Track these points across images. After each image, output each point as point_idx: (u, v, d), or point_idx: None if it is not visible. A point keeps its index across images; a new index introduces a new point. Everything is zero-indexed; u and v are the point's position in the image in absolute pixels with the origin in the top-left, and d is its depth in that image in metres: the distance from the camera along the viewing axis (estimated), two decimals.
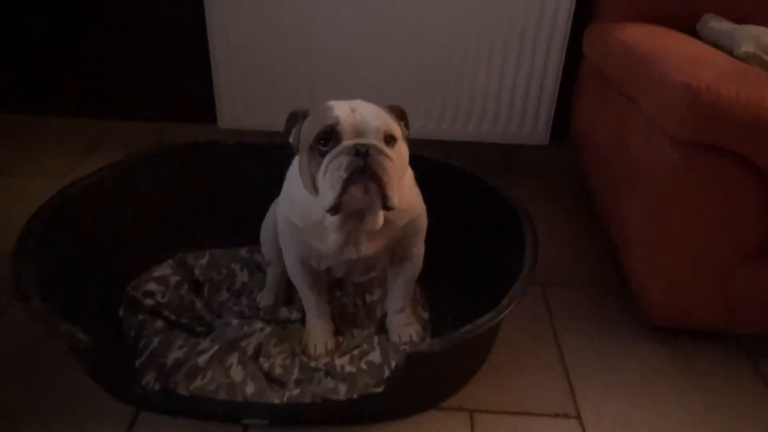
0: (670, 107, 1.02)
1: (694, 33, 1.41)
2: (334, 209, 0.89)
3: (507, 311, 0.98)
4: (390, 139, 0.91)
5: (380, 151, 0.88)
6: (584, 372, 1.16)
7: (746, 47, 1.15)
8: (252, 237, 1.34)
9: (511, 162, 2.00)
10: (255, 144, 1.48)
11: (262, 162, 1.40)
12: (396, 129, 0.94)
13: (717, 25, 1.34)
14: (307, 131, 0.94)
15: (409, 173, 1.07)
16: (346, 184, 0.87)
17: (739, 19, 1.36)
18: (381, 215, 0.96)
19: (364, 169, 0.86)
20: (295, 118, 0.99)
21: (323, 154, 0.89)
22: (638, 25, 1.41)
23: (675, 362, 1.19)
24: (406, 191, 1.03)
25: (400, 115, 1.01)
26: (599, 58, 1.47)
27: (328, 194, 0.88)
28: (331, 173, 0.87)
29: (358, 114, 0.90)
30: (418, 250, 1.13)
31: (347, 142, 0.88)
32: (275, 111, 1.80)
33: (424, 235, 1.12)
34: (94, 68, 2.00)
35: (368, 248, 1.04)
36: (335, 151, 0.88)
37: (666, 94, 1.02)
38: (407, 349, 1.15)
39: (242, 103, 1.82)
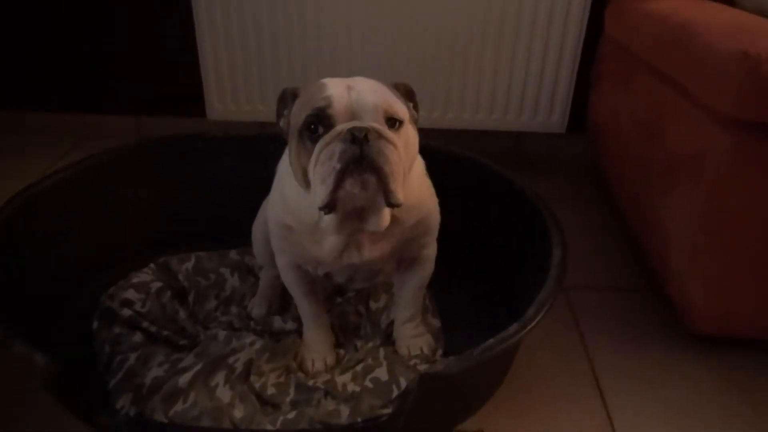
0: (720, 82, 0.87)
1: (732, 5, 1.26)
2: (328, 207, 0.75)
3: (534, 323, 0.84)
4: (393, 122, 0.77)
5: (381, 136, 0.73)
6: (619, 387, 1.02)
7: None
8: (243, 237, 1.20)
9: (522, 152, 1.86)
10: (245, 136, 1.35)
11: (253, 155, 1.28)
12: (401, 110, 0.79)
13: None
14: (297, 114, 0.80)
15: (420, 163, 0.93)
16: (340, 176, 0.72)
17: None
18: (387, 214, 0.82)
19: (361, 158, 0.71)
20: (285, 98, 0.85)
21: (314, 141, 0.75)
22: None
23: (721, 376, 1.05)
24: (415, 184, 0.89)
25: (408, 95, 0.86)
26: (625, 35, 1.33)
27: (320, 189, 0.74)
28: (323, 164, 0.73)
29: (355, 92, 0.76)
30: (430, 251, 0.99)
31: (341, 126, 0.74)
32: (268, 101, 1.69)
33: (436, 235, 0.98)
34: (75, 60, 1.86)
35: (372, 252, 0.90)
36: (327, 137, 0.74)
37: (715, 66, 0.88)
38: (417, 363, 1.02)
39: (232, 93, 1.69)
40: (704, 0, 1.22)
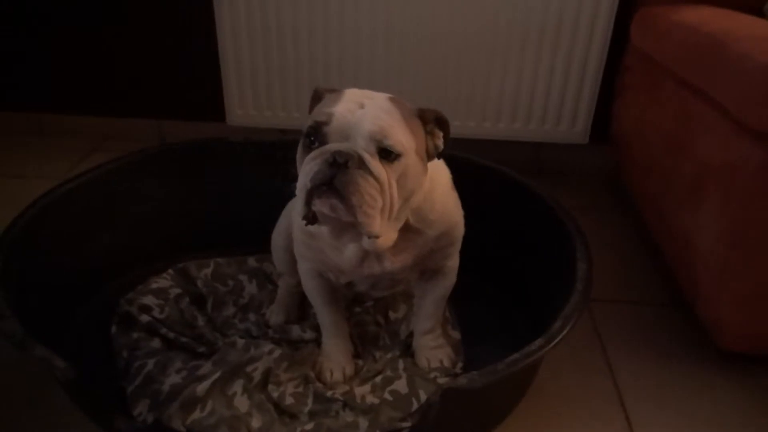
0: (753, 95, 0.85)
1: (761, 16, 1.24)
2: (306, 218, 0.76)
3: (559, 338, 0.82)
4: (388, 154, 0.74)
5: (362, 165, 0.72)
6: (643, 404, 1.00)
7: None
8: (262, 245, 1.19)
9: (542, 162, 1.84)
10: (266, 141, 1.35)
11: (274, 161, 1.27)
12: (402, 142, 0.75)
13: None
14: (309, 119, 0.79)
15: (446, 175, 0.93)
16: (309, 194, 0.73)
17: None
18: (395, 232, 0.81)
19: (331, 182, 0.72)
20: (315, 97, 0.84)
21: (309, 152, 0.76)
22: (698, 6, 1.25)
23: (750, 395, 1.02)
24: (439, 196, 0.88)
25: (438, 124, 0.82)
26: (652, 46, 1.30)
27: (298, 199, 0.75)
28: (302, 178, 0.74)
29: (359, 114, 0.74)
30: (453, 263, 0.98)
31: (329, 146, 0.74)
32: (288, 107, 1.69)
33: (459, 246, 0.97)
34: (97, 64, 1.88)
35: (394, 263, 0.89)
36: (315, 152, 0.74)
37: (747, 79, 0.86)
38: (437, 376, 1.01)
39: (253, 99, 1.69)
40: (734, 12, 1.20)
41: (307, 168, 0.74)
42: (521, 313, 1.13)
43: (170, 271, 1.23)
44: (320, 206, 0.74)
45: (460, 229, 0.95)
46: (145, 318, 1.09)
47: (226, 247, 1.30)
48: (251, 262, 1.29)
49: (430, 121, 0.81)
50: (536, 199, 1.15)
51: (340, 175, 0.71)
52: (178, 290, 1.18)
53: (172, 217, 1.30)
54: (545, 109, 1.62)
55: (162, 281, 1.19)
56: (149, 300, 1.14)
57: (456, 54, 1.57)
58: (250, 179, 1.33)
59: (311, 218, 0.76)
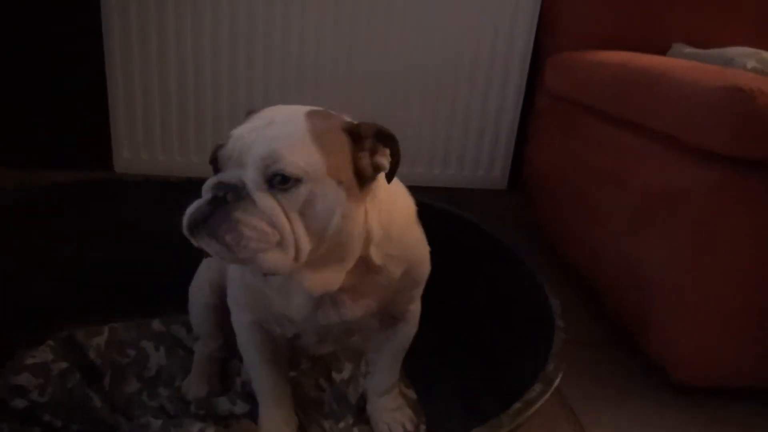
0: (709, 118, 0.86)
1: None
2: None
3: (558, 380, 0.73)
4: (284, 180, 0.61)
5: (243, 198, 0.60)
6: None
7: (751, 63, 1.05)
8: (168, 304, 1.02)
9: (460, 208, 1.81)
10: (170, 182, 1.16)
11: (183, 203, 1.09)
12: (297, 164, 0.61)
13: (694, 51, 1.27)
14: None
15: (407, 205, 0.79)
16: (189, 233, 0.61)
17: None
18: (331, 274, 0.68)
19: (205, 223, 0.60)
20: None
21: None
22: (609, 51, 1.30)
23: (706, 427, 1.00)
24: (397, 232, 0.74)
25: (381, 139, 0.67)
26: (571, 87, 1.33)
27: None
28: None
29: (254, 134, 0.62)
30: (416, 307, 0.86)
31: (216, 177, 0.62)
32: (188, 151, 1.51)
33: (422, 289, 0.85)
34: None
35: (355, 310, 0.75)
36: (205, 185, 0.62)
37: (702, 103, 0.87)
38: None
39: (144, 141, 1.49)
40: (643, 53, 1.26)
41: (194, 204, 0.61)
42: (473, 364, 1.03)
43: (50, 341, 0.98)
44: (206, 246, 0.61)
45: (425, 268, 0.82)
46: (20, 403, 0.84)
47: (124, 309, 1.07)
48: (156, 325, 1.07)
49: (368, 136, 0.67)
50: (489, 238, 1.07)
51: (216, 211, 0.59)
52: (63, 364, 0.93)
53: (50, 273, 1.06)
54: (463, 155, 1.60)
55: (40, 354, 0.94)
56: (24, 379, 0.88)
57: (372, 98, 1.52)
58: (152, 226, 1.12)
59: None
